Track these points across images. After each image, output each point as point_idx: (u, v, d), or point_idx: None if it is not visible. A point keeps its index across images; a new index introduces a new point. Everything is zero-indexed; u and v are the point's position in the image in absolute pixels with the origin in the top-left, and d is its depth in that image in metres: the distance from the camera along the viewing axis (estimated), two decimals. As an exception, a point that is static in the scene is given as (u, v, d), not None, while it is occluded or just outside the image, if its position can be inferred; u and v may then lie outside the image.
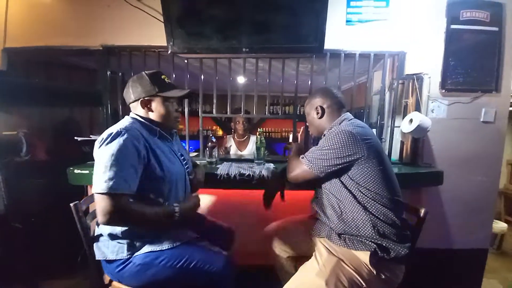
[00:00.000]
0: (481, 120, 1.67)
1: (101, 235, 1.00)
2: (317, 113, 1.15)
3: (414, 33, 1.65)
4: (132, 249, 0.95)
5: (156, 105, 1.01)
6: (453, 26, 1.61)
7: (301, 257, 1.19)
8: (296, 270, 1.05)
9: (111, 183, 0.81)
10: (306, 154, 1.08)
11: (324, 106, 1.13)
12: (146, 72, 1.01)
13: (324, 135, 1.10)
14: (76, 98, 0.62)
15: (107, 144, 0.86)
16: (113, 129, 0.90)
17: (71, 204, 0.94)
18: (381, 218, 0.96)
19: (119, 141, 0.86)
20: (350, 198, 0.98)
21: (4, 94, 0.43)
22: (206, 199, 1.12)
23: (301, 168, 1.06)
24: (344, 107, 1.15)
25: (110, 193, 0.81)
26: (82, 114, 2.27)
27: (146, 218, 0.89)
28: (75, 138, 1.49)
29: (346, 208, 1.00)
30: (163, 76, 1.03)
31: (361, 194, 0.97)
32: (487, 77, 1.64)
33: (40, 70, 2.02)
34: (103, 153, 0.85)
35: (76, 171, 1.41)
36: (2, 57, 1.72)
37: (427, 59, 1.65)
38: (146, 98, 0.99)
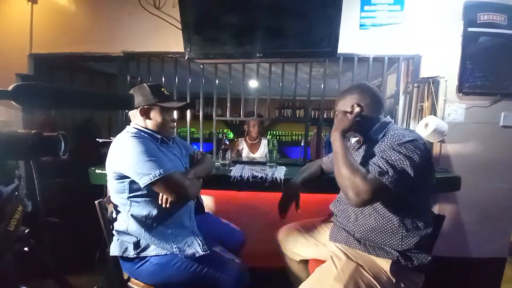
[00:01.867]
0: (501, 124, 1.62)
1: (112, 234, 1.06)
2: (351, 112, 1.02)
3: (429, 36, 1.63)
4: (138, 248, 1.00)
5: (154, 114, 1.07)
6: (470, 29, 1.58)
7: (313, 260, 1.19)
8: (308, 274, 1.05)
9: (160, 170, 0.92)
10: (383, 167, 0.84)
11: (363, 105, 0.99)
12: (147, 84, 1.10)
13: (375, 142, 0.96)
14: (109, 102, 0.67)
15: (130, 151, 0.94)
16: (123, 139, 1.00)
17: (96, 202, 0.99)
18: (409, 227, 0.91)
19: (138, 141, 0.96)
20: (374, 205, 0.94)
21: (43, 97, 0.48)
22: (208, 200, 1.24)
23: (381, 186, 0.81)
24: (383, 108, 1.04)
25: (166, 175, 0.92)
26: (101, 116, 2.38)
27: (199, 182, 1.09)
28: (97, 139, 1.57)
29: (375, 214, 0.95)
30: (162, 89, 1.11)
31: (396, 201, 0.90)
32: (505, 81, 1.60)
33: (63, 74, 2.13)
34: (134, 158, 0.93)
35: (97, 171, 1.47)
36: (29, 62, 1.83)
37: (443, 62, 1.62)
38: (145, 107, 1.06)
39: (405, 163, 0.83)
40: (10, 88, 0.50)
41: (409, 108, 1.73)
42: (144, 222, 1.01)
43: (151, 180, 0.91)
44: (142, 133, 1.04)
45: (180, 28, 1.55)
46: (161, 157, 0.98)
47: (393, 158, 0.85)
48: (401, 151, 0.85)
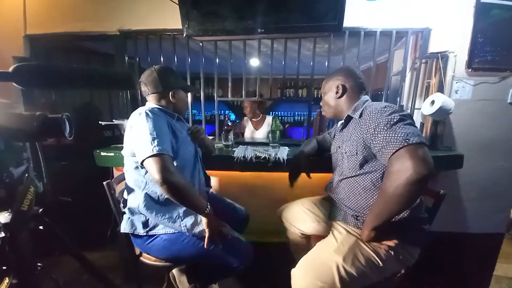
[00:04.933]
0: (508, 101, 1.58)
1: (124, 212, 1.09)
2: (337, 92, 1.08)
3: (440, 7, 1.54)
4: (146, 227, 1.04)
5: (180, 95, 1.15)
6: (483, 0, 1.49)
7: (314, 236, 1.23)
8: (309, 249, 1.07)
9: (158, 147, 0.91)
10: (402, 135, 0.80)
11: (347, 86, 1.07)
12: (166, 66, 1.14)
13: (361, 114, 0.99)
14: (111, 81, 0.65)
15: (143, 120, 0.95)
16: (140, 110, 1.00)
17: (104, 183, 1.01)
18: None
19: (152, 116, 0.97)
20: (369, 181, 0.96)
21: (44, 77, 0.47)
22: (211, 180, 1.31)
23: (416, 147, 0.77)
24: (365, 90, 1.10)
25: (160, 154, 0.90)
26: (101, 99, 2.35)
27: (188, 190, 0.95)
28: (99, 122, 1.56)
29: (362, 191, 0.98)
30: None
31: (380, 178, 0.94)
32: (517, 56, 1.54)
33: (60, 55, 2.07)
34: (143, 127, 0.94)
35: (102, 153, 1.49)
36: (24, 44, 1.77)
37: (453, 36, 1.55)
38: (175, 90, 1.12)
39: (404, 121, 0.84)
40: (10, 69, 0.49)
41: (416, 85, 1.69)
42: (157, 201, 1.02)
43: (143, 157, 0.90)
44: (159, 110, 1.07)
45: (177, 2, 1.47)
46: (166, 136, 0.97)
47: (384, 122, 0.85)
48: (391, 119, 0.85)
